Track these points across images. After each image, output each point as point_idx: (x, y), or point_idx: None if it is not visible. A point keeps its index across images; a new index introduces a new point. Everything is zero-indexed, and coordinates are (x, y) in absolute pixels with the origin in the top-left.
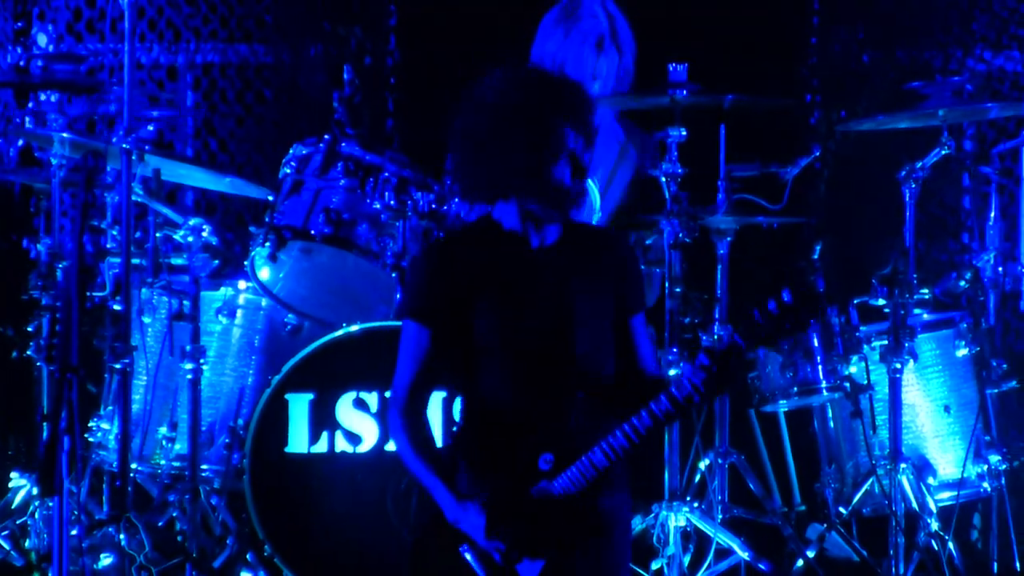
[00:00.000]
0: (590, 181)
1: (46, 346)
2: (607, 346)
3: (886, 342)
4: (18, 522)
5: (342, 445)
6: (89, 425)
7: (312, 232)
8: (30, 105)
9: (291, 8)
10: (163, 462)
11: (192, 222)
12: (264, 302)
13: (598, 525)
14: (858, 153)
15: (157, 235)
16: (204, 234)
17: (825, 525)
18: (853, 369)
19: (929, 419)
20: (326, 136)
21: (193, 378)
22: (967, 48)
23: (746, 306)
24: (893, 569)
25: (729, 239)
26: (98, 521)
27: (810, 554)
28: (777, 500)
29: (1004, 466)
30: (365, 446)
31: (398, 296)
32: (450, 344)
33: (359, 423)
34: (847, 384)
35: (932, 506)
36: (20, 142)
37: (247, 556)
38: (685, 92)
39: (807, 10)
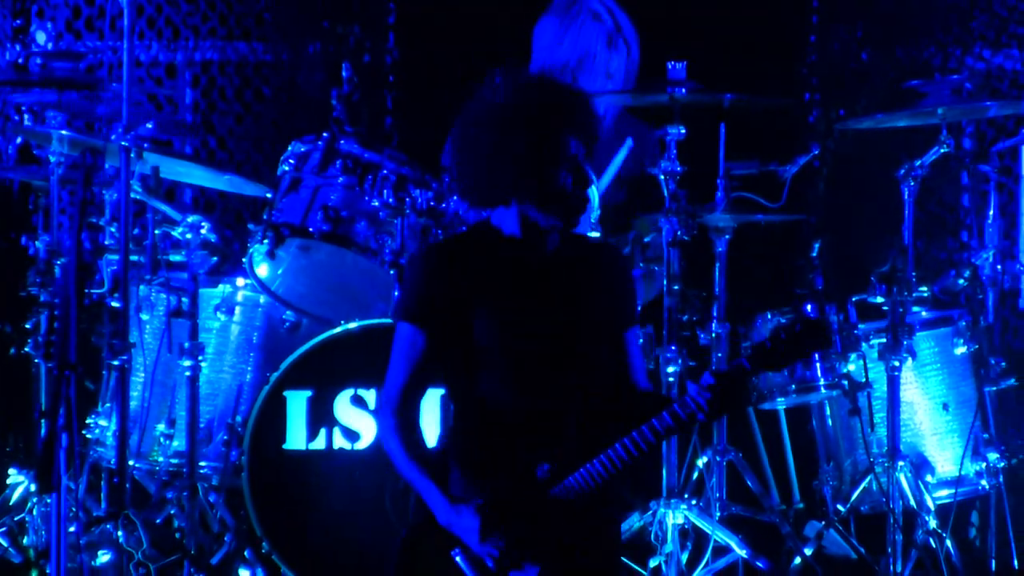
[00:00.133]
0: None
1: (44, 343)
2: (604, 355)
3: (884, 340)
4: (16, 519)
5: (340, 442)
6: (87, 422)
7: (310, 229)
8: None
9: (290, 6)
10: (161, 459)
11: (191, 219)
12: (262, 299)
13: (592, 532)
14: (857, 151)
15: (156, 232)
16: (203, 231)
17: (823, 523)
18: (851, 367)
19: (927, 417)
20: (325, 134)
21: (191, 375)
22: (966, 46)
23: (756, 323)
24: (891, 567)
25: (728, 237)
26: (96, 518)
27: (808, 552)
28: (775, 498)
29: (1002, 464)
30: (363, 443)
31: (396, 294)
32: (446, 348)
33: (357, 420)
34: (845, 382)
35: (930, 504)
36: (19, 139)
37: (245, 553)
38: (684, 90)
39: (806, 8)
